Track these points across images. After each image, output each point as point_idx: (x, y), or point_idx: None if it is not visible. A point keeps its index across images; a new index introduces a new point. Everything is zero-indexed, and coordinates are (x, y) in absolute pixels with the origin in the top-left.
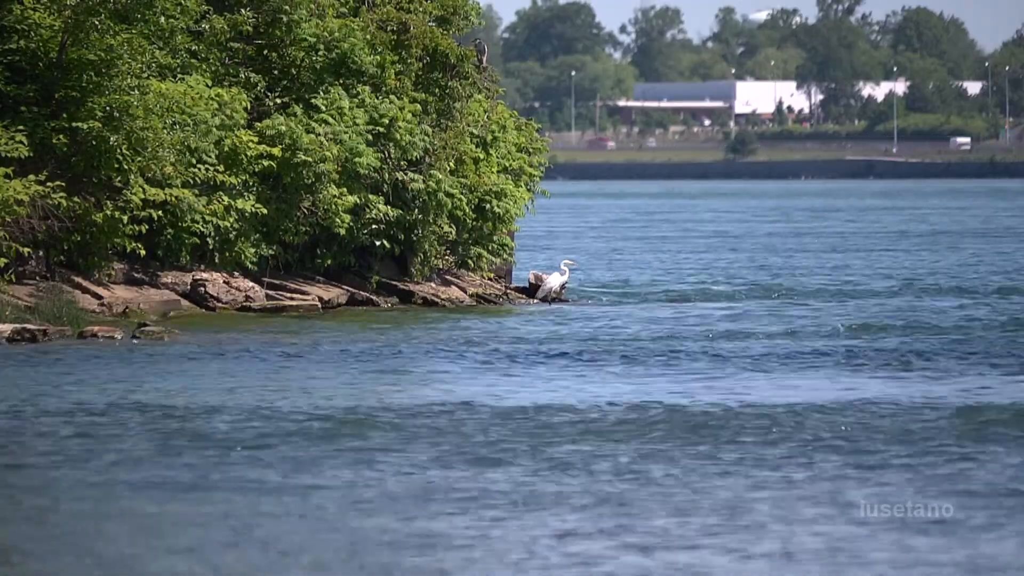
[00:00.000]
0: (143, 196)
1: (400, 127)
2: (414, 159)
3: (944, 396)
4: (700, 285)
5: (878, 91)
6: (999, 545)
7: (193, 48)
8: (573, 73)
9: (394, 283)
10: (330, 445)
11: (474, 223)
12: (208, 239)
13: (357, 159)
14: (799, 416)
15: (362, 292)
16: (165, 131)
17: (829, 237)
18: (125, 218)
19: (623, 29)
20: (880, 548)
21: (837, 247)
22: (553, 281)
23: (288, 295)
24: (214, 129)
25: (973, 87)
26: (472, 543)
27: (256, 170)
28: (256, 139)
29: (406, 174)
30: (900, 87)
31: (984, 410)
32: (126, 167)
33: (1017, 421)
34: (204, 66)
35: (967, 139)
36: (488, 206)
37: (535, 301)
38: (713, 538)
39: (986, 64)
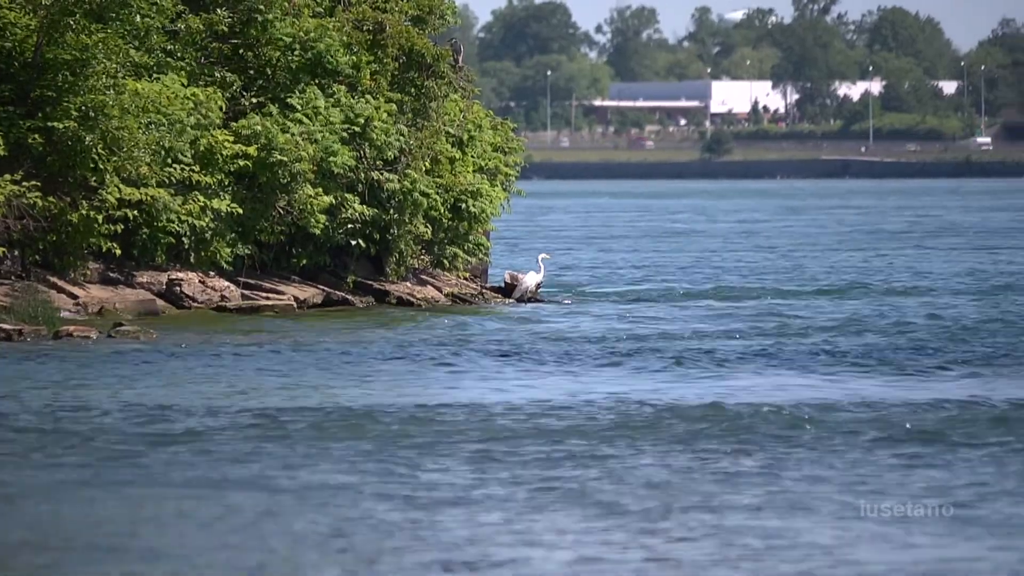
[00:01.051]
0: (118, 196)
1: (376, 127)
2: (390, 159)
3: (943, 396)
4: (672, 284)
5: (854, 91)
6: (997, 546)
7: (168, 47)
8: (549, 73)
9: (370, 283)
10: (301, 444)
11: (450, 222)
12: (184, 239)
13: (332, 158)
14: (800, 414)
15: (338, 292)
16: (140, 131)
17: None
18: (100, 218)
19: (599, 29)
20: (879, 548)
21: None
22: (529, 281)
23: (264, 295)
24: (189, 129)
25: (949, 87)
26: (462, 542)
27: (231, 170)
28: (232, 139)
29: (382, 174)
30: (876, 87)
31: (983, 409)
32: (101, 167)
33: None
34: (180, 65)
35: (987, 139)
36: (464, 205)
37: (511, 301)
38: (709, 538)
39: (962, 64)
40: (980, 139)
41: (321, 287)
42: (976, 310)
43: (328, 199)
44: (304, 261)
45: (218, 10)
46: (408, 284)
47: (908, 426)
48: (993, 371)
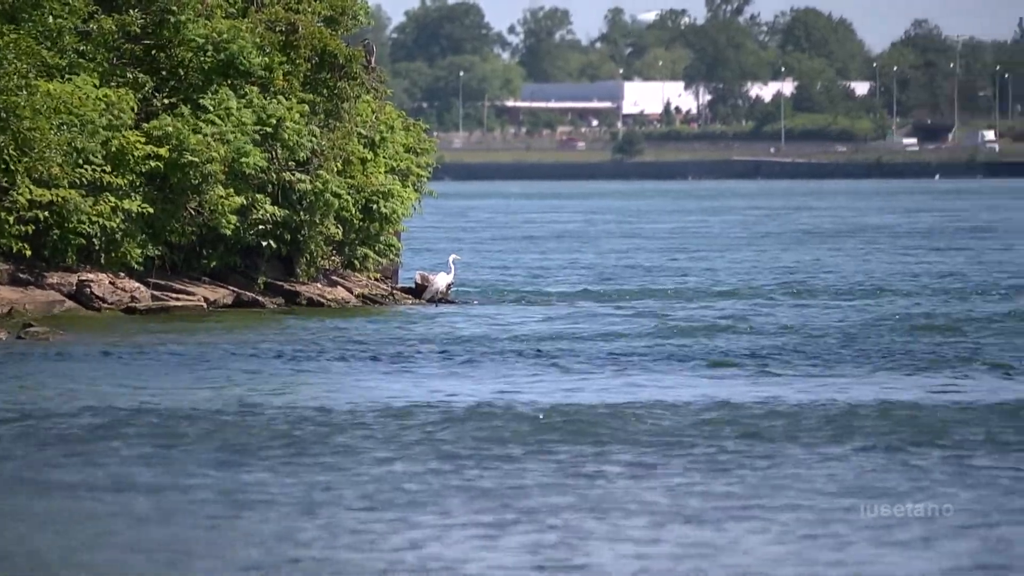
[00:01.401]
0: (29, 197)
1: (288, 127)
2: (302, 159)
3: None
4: (580, 285)
5: (766, 91)
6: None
7: (81, 48)
8: (461, 73)
9: (280, 284)
10: (202, 445)
11: (361, 223)
12: (94, 240)
13: (244, 159)
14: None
15: (248, 293)
16: (52, 131)
17: None
18: (11, 219)
19: (512, 29)
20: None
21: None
22: (439, 282)
23: (174, 296)
24: (101, 129)
25: (861, 87)
26: (370, 540)
27: (143, 170)
28: (143, 139)
29: (293, 174)
30: (788, 87)
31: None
32: (12, 167)
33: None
34: (92, 66)
35: (913, 140)
36: (375, 206)
37: (421, 302)
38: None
39: (874, 64)
40: (906, 140)
41: (231, 288)
42: (860, 312)
43: (239, 200)
44: (215, 262)
45: (131, 11)
46: (319, 285)
47: (762, 426)
48: (872, 372)
